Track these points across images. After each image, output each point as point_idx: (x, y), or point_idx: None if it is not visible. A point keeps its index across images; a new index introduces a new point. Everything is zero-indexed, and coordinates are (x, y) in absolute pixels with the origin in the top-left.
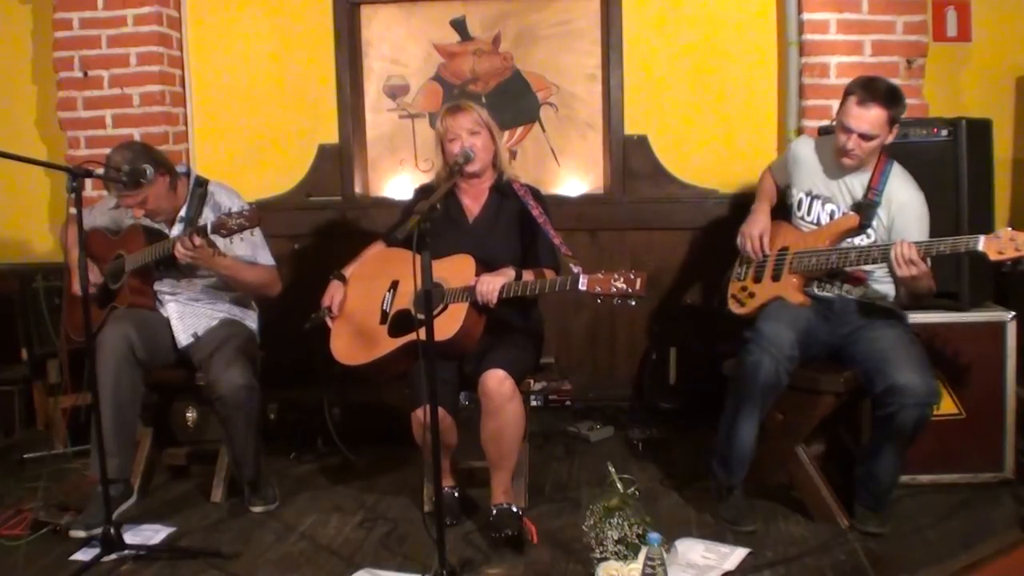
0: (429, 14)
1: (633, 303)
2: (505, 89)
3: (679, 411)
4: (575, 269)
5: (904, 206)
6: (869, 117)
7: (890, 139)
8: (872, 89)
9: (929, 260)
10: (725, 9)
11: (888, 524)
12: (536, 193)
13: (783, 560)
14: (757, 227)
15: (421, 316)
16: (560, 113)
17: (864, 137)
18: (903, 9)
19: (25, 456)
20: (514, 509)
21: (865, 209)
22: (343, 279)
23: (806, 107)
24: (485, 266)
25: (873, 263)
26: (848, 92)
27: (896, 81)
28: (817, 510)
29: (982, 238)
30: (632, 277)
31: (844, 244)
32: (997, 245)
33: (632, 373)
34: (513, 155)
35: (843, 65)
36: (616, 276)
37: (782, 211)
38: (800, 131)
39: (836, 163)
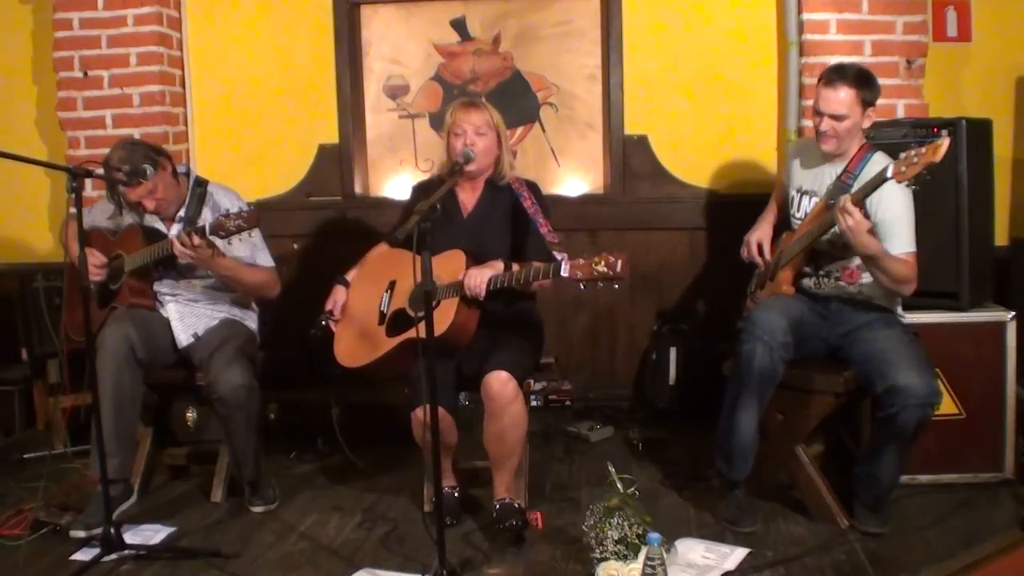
0: (429, 14)
1: (616, 286)
2: (505, 89)
3: (679, 411)
4: (558, 256)
5: None
6: (838, 97)
7: (867, 123)
8: (840, 70)
9: (869, 214)
10: (725, 9)
11: (888, 524)
12: (533, 187)
13: (783, 560)
14: (756, 235)
15: (415, 314)
16: (560, 113)
17: (835, 118)
18: (903, 9)
19: (25, 456)
20: (516, 504)
21: (836, 192)
22: (346, 283)
23: (806, 107)
24: (476, 260)
25: (832, 229)
26: (819, 79)
27: (896, 81)
28: (817, 510)
29: (891, 165)
30: (612, 260)
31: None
32: (897, 168)
33: (632, 373)
34: (512, 154)
35: None
36: (597, 260)
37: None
38: (800, 131)
39: (818, 154)
